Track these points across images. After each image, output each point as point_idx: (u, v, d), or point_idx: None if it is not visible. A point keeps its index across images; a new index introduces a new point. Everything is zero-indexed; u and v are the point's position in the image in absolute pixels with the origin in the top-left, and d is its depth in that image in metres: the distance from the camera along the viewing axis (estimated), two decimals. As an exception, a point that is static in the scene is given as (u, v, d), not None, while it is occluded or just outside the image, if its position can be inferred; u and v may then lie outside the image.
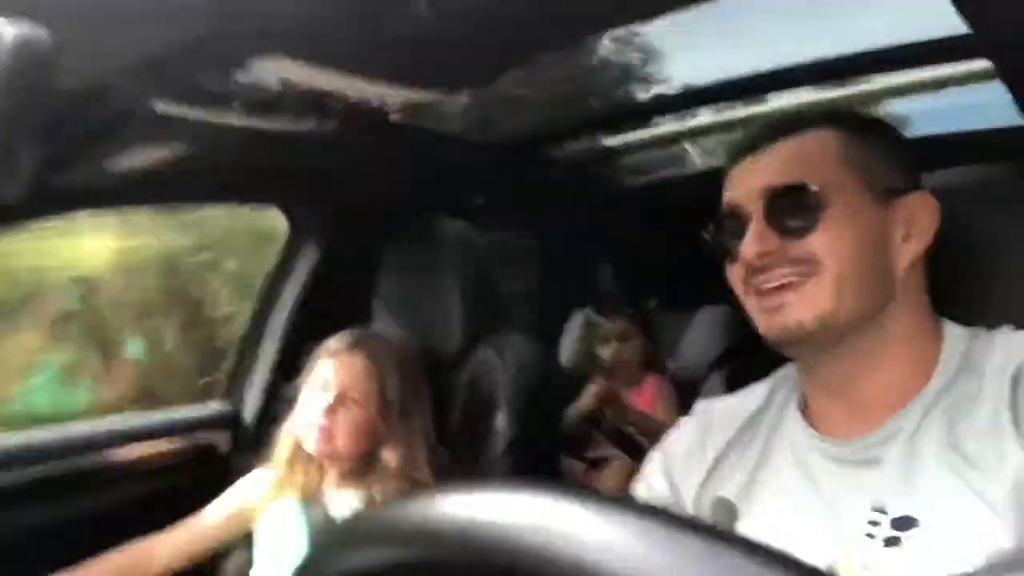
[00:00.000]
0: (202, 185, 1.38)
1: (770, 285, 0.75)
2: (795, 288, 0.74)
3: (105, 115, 0.96)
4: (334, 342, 1.36)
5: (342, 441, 1.30)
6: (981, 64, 1.47)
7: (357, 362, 1.33)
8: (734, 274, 0.80)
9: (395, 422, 1.33)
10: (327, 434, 1.29)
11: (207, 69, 0.89)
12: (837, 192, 0.75)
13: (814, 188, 0.74)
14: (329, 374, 1.32)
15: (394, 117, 1.08)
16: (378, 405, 1.32)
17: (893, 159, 0.79)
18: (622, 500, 0.32)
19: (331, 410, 1.29)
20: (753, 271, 0.76)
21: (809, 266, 0.74)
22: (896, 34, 1.53)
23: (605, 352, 2.33)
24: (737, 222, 0.78)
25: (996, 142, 1.67)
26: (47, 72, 0.71)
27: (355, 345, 1.35)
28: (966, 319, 0.80)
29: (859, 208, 0.75)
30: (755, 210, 0.76)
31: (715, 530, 0.30)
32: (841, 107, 1.62)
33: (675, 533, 0.29)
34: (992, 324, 0.78)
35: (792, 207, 0.75)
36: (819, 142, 0.78)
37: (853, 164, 0.77)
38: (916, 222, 0.77)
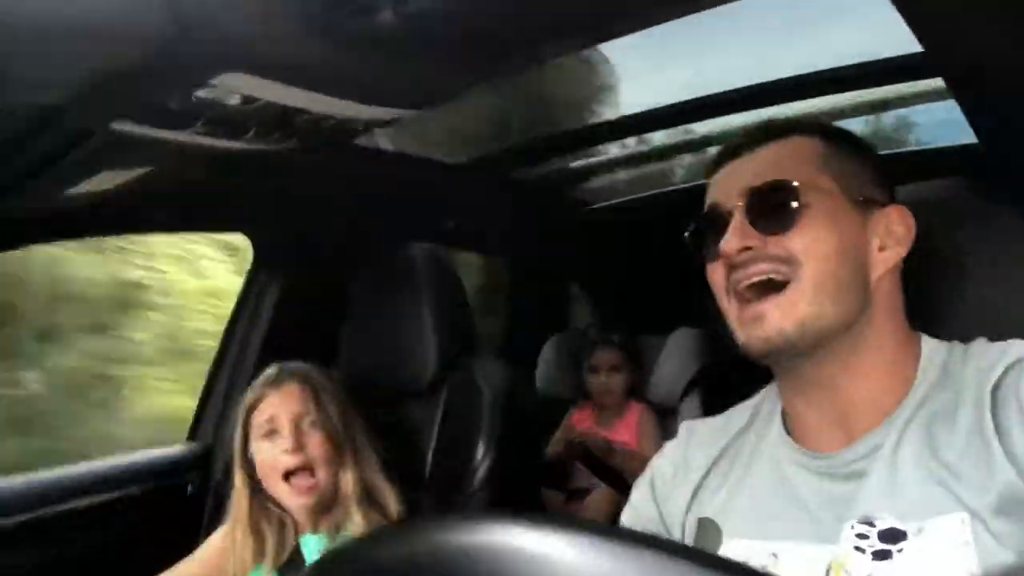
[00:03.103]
0: (165, 211, 1.35)
1: (749, 281, 0.76)
2: (773, 292, 0.75)
3: (61, 137, 0.94)
4: (258, 386, 1.32)
5: (322, 475, 1.26)
6: (936, 83, 1.51)
7: (294, 388, 1.30)
8: (715, 275, 0.81)
9: (344, 445, 1.30)
10: (306, 474, 1.25)
11: (167, 87, 0.86)
12: (817, 193, 0.76)
13: (794, 185, 0.76)
14: (272, 411, 1.28)
15: (360, 136, 1.06)
16: (330, 425, 1.29)
17: (870, 172, 0.81)
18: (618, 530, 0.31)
19: (297, 446, 1.25)
20: (732, 268, 0.77)
21: (788, 265, 0.75)
22: (852, 55, 1.57)
23: (594, 382, 2.31)
24: (718, 221, 0.79)
25: (950, 160, 1.71)
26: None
27: (282, 376, 1.32)
28: (935, 332, 0.81)
29: (838, 212, 0.77)
30: (736, 208, 0.78)
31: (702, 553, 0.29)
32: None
33: (665, 560, 0.28)
34: (959, 336, 0.79)
35: (773, 204, 0.76)
36: (803, 146, 0.80)
37: (834, 170, 0.78)
38: (892, 233, 0.79)
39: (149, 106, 0.89)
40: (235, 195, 1.46)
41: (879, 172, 0.82)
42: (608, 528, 0.31)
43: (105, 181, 1.08)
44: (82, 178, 1.05)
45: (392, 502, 1.30)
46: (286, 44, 0.79)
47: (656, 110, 1.68)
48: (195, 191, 1.34)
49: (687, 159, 1.95)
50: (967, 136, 1.42)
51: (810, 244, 0.75)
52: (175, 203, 1.34)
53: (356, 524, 1.26)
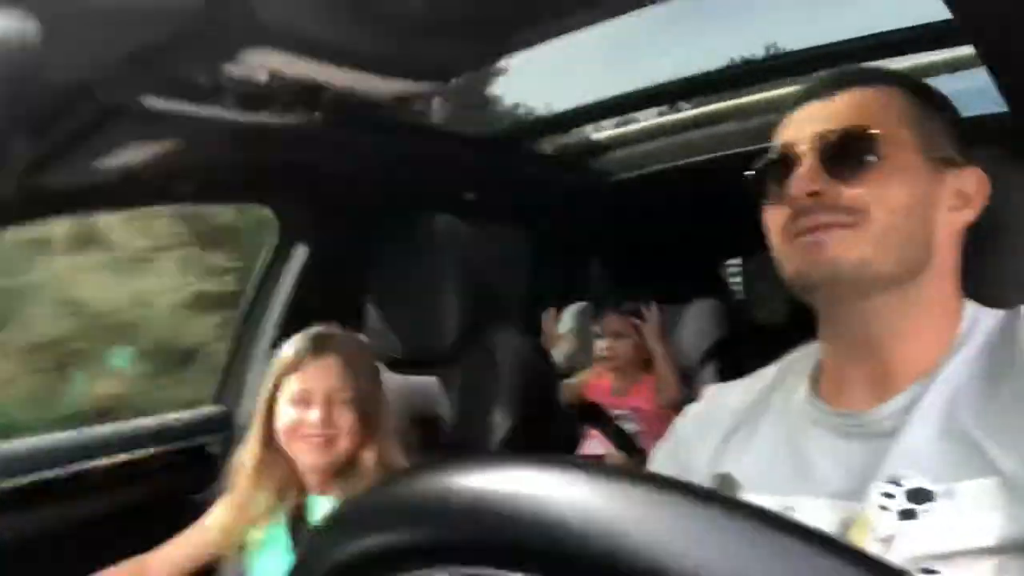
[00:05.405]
0: (193, 184, 1.37)
1: (812, 225, 0.74)
2: (838, 231, 0.73)
3: (93, 111, 0.95)
4: (296, 351, 1.31)
5: (345, 444, 1.27)
6: (965, 51, 1.49)
7: (337, 363, 1.29)
8: (774, 217, 0.78)
9: (372, 419, 1.30)
10: (331, 441, 1.26)
11: (196, 62, 0.88)
12: (894, 145, 0.74)
13: (872, 133, 0.73)
14: (309, 382, 1.27)
15: (385, 110, 1.08)
16: (362, 402, 1.29)
17: (950, 131, 0.79)
18: (643, 474, 0.31)
19: (327, 418, 1.25)
20: (797, 213, 0.75)
21: (856, 214, 0.73)
22: (883, 22, 1.54)
23: (598, 347, 2.33)
24: (787, 163, 0.77)
25: (980, 130, 1.68)
26: (35, 64, 0.70)
27: (324, 347, 1.30)
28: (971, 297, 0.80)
29: (912, 166, 0.75)
30: (809, 151, 0.75)
31: (736, 502, 0.30)
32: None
33: (703, 507, 0.29)
34: (992, 305, 0.78)
35: (848, 150, 0.74)
36: (884, 97, 0.78)
37: (913, 125, 0.76)
38: (965, 195, 0.77)
39: (178, 81, 0.90)
40: (260, 168, 1.48)
41: (956, 132, 0.79)
42: (613, 469, 0.31)
43: (135, 154, 1.10)
44: (113, 152, 1.07)
45: None
46: (314, 21, 0.80)
47: (681, 81, 1.67)
48: (221, 164, 1.36)
49: (710, 131, 1.93)
50: (996, 106, 1.40)
51: (881, 196, 0.72)
52: (202, 176, 1.36)
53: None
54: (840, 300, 0.77)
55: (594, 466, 0.31)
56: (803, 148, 0.76)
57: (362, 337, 1.44)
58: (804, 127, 0.78)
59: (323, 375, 1.28)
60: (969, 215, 0.77)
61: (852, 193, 0.73)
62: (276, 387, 1.31)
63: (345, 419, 1.27)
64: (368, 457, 1.29)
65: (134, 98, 0.92)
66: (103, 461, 1.57)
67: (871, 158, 0.73)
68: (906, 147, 0.75)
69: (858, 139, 0.74)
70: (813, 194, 0.74)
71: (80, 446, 1.57)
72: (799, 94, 0.82)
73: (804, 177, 0.74)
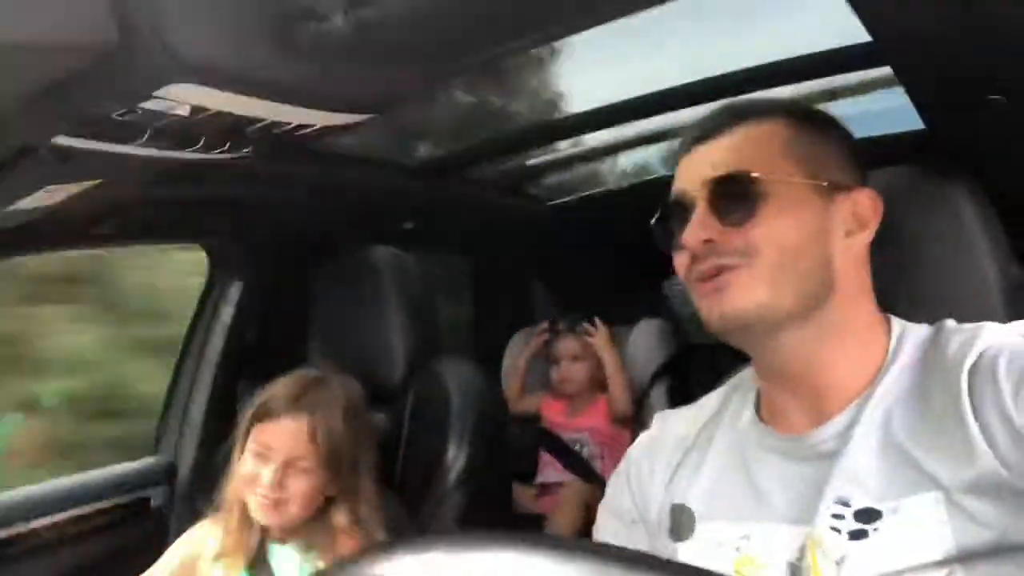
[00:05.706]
0: (116, 224, 1.32)
1: (709, 270, 0.76)
2: (733, 272, 0.75)
3: (2, 153, 0.91)
4: (271, 399, 1.25)
5: (295, 510, 1.23)
6: (883, 71, 1.54)
7: (302, 426, 1.22)
8: (679, 261, 0.81)
9: (344, 480, 1.26)
10: (279, 505, 1.21)
11: (110, 100, 0.84)
12: (779, 183, 0.76)
13: (755, 176, 0.75)
14: (271, 440, 1.22)
15: (313, 142, 1.05)
16: (328, 467, 1.24)
17: (840, 155, 0.80)
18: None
19: (279, 482, 1.20)
20: (695, 259, 0.77)
21: (748, 256, 0.75)
22: (800, 46, 1.59)
23: (555, 371, 2.31)
24: (683, 210, 0.79)
25: (899, 147, 1.74)
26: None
27: (296, 403, 1.24)
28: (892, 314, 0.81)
29: (801, 199, 0.76)
30: (699, 197, 0.77)
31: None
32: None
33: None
34: (911, 319, 0.80)
35: (734, 196, 0.76)
36: (766, 132, 0.79)
37: (798, 155, 0.78)
38: (859, 217, 0.78)
39: (92, 119, 0.86)
40: (188, 206, 1.43)
41: (848, 154, 0.81)
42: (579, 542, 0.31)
43: (52, 196, 1.04)
44: (27, 194, 1.01)
45: (378, 531, 1.25)
46: (235, 53, 0.77)
47: (610, 106, 1.69)
48: (145, 203, 1.31)
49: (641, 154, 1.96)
50: (915, 123, 1.45)
51: (769, 235, 0.74)
52: (126, 216, 1.30)
53: (335, 550, 1.23)
54: (752, 341, 0.79)
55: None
56: (692, 196, 0.78)
57: (349, 383, 1.35)
58: (693, 173, 0.80)
59: (287, 436, 1.22)
60: (867, 236, 0.78)
61: (742, 236, 0.75)
62: (248, 430, 1.25)
63: (298, 486, 1.22)
64: (338, 517, 1.24)
65: (47, 138, 0.87)
66: (46, 521, 1.49)
67: (754, 199, 0.75)
68: (791, 180, 0.76)
69: (741, 184, 0.76)
70: (706, 241, 0.76)
71: (19, 506, 1.49)
72: (685, 139, 0.83)
73: (696, 226, 0.76)
